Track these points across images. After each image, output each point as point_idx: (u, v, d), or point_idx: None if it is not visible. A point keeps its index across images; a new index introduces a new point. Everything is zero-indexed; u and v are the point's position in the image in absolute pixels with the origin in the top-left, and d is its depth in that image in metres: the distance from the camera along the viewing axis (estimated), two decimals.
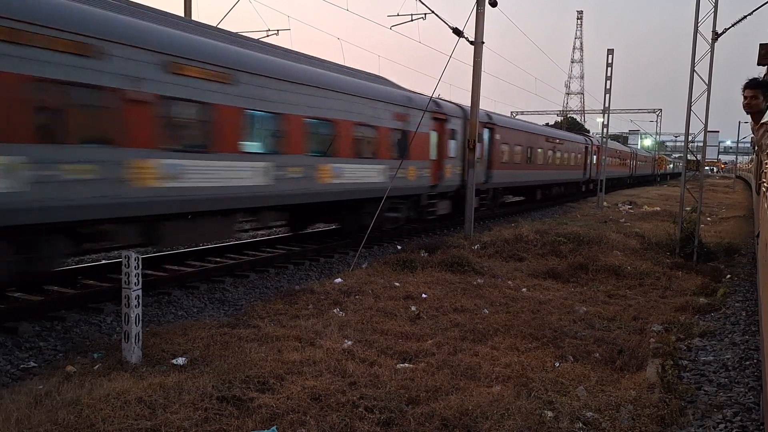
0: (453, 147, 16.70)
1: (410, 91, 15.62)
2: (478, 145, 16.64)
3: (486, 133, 19.11)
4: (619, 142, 58.29)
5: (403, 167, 13.64)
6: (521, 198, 27.01)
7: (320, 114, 11.29)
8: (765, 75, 7.70)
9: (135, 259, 5.69)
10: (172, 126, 8.43)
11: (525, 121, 28.05)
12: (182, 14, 16.36)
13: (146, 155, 7.99)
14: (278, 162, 10.31)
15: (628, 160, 47.27)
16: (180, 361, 5.66)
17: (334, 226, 14.32)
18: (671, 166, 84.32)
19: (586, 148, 32.33)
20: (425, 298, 8.46)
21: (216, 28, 10.48)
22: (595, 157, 33.28)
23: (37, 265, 7.42)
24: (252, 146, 9.86)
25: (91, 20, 7.39)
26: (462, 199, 17.02)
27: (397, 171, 13.06)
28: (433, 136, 15.68)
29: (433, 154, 15.66)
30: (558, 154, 27.22)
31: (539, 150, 24.61)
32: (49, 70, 6.80)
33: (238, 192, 9.49)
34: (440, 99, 17.07)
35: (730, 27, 12.72)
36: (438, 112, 15.80)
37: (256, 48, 10.66)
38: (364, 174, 12.63)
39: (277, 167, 10.28)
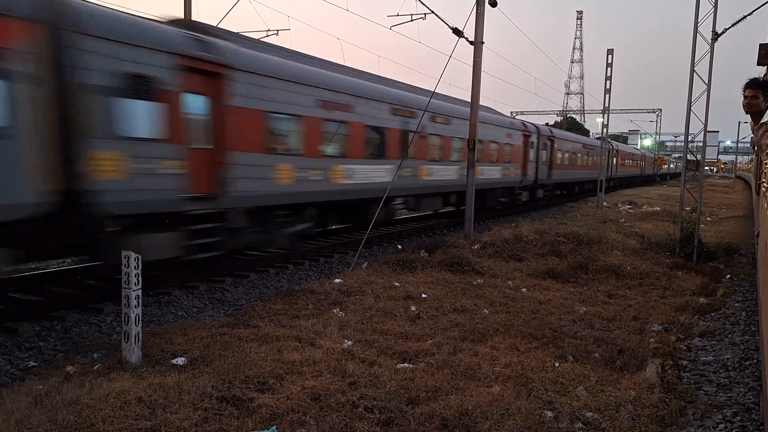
0: (531, 154, 24.57)
1: (509, 117, 25.28)
2: (543, 152, 25.99)
3: (548, 143, 26.82)
4: (618, 142, 59.22)
5: (508, 168, 21.84)
6: (555, 192, 32.41)
7: (481, 138, 18.64)
8: (765, 75, 7.70)
9: (135, 259, 5.68)
10: (431, 148, 16.20)
11: (570, 133, 37.16)
12: (182, 14, 16.43)
13: (424, 164, 15.82)
14: (462, 166, 17.12)
15: (640, 162, 56.56)
16: (180, 361, 5.65)
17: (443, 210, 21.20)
18: (672, 165, 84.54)
19: (609, 152, 40.64)
20: (425, 298, 8.46)
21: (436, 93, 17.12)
22: (615, 159, 42.52)
23: (390, 216, 15.36)
24: (453, 156, 17.47)
25: (413, 101, 15.23)
26: (533, 191, 25.96)
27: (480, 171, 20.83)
28: (522, 147, 23.32)
29: (521, 159, 23.30)
30: (590, 158, 35.29)
31: (579, 155, 32.83)
32: (404, 126, 14.66)
33: (448, 182, 17.37)
34: (525, 121, 25.82)
35: (729, 27, 12.72)
36: (525, 130, 23.84)
37: (460, 103, 18.56)
38: (494, 172, 20.26)
39: (461, 168, 17.27)
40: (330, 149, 12.04)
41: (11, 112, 6.40)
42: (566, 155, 29.68)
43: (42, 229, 7.01)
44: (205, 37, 9.13)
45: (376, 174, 13.64)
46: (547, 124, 40.00)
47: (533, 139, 24.52)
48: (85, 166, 7.13)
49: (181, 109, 8.43)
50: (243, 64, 9.53)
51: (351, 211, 13.82)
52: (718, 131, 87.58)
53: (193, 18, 16.26)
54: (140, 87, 7.78)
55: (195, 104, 8.76)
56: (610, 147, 40.52)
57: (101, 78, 7.27)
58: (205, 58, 8.76)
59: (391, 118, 14.16)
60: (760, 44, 6.90)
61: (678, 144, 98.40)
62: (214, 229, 9.18)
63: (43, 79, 6.71)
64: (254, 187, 9.85)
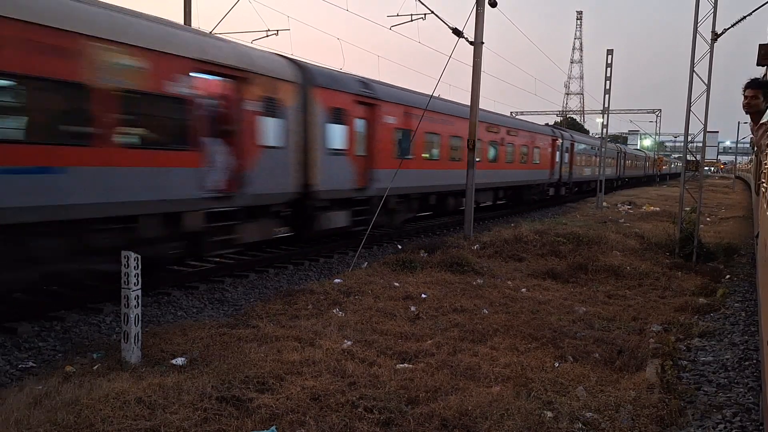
0: (619, 161, 42.75)
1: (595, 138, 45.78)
2: (622, 160, 44.45)
3: (624, 155, 45.39)
4: (618, 142, 60.19)
5: (614, 169, 40.64)
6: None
7: (609, 155, 37.00)
8: (765, 75, 7.70)
9: (134, 259, 5.68)
10: (576, 161, 32.43)
11: (626, 146, 59.51)
12: (182, 14, 16.46)
13: (585, 169, 34.51)
14: (593, 169, 35.01)
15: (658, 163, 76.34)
16: (179, 361, 5.65)
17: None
18: (672, 165, 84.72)
19: (646, 157, 61.01)
20: (425, 298, 8.46)
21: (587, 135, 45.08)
22: (647, 163, 61.37)
23: (589, 186, 36.76)
24: (593, 164, 35.84)
25: (587, 140, 37.82)
26: (618, 181, 45.31)
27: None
28: (616, 158, 41.31)
29: (615, 164, 41.22)
30: (637, 162, 55.78)
31: (629, 162, 50.78)
32: (590, 152, 36.05)
33: (588, 177, 35.15)
34: (617, 144, 47.03)
35: (729, 27, 12.73)
36: (616, 149, 42.15)
37: (578, 133, 39.72)
38: (611, 171, 39.25)
39: (593, 168, 35.15)
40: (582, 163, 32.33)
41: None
42: (630, 162, 49.93)
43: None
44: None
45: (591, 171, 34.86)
46: (546, 124, 41.89)
47: (620, 154, 43.41)
48: None
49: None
50: (579, 140, 33.00)
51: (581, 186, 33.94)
52: (717, 131, 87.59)
53: (193, 18, 16.39)
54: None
55: None
56: (647, 155, 62.52)
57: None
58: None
59: (590, 152, 34.00)
60: (760, 44, 6.89)
61: (678, 144, 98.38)
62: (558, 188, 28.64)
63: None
64: (580, 174, 32.77)
